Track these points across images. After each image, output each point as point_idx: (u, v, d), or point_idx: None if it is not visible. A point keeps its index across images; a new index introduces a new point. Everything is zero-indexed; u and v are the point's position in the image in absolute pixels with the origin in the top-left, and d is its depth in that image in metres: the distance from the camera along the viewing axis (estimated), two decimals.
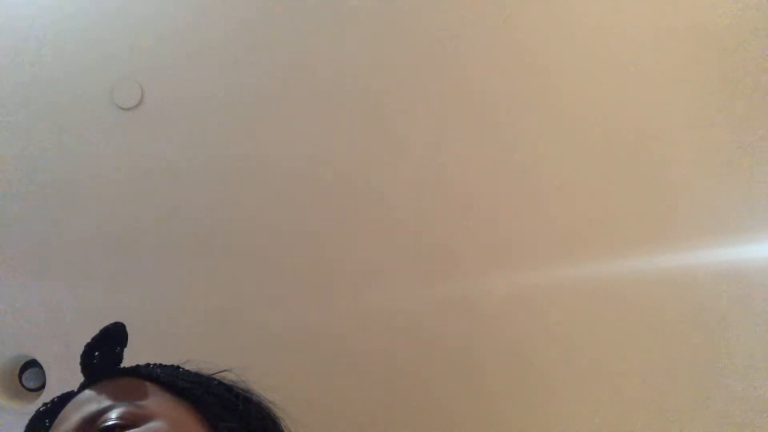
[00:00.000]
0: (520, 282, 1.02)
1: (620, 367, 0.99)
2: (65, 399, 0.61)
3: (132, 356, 0.64)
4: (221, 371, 0.67)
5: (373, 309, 1.03)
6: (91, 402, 0.57)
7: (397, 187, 1.05)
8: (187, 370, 0.65)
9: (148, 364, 0.65)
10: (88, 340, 0.61)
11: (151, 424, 0.53)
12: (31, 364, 1.12)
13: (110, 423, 0.53)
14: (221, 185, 1.07)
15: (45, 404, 0.64)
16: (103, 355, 0.61)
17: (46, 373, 1.09)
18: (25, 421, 0.63)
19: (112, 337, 0.61)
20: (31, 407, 0.87)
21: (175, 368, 0.65)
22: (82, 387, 0.61)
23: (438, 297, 1.03)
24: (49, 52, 1.06)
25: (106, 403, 0.56)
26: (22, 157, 1.07)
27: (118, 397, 0.57)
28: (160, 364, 0.65)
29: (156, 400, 0.57)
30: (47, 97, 1.07)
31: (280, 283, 1.06)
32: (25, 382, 1.12)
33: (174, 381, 0.60)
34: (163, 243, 1.07)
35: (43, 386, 1.11)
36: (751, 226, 0.96)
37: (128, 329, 0.62)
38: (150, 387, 0.59)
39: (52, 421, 0.60)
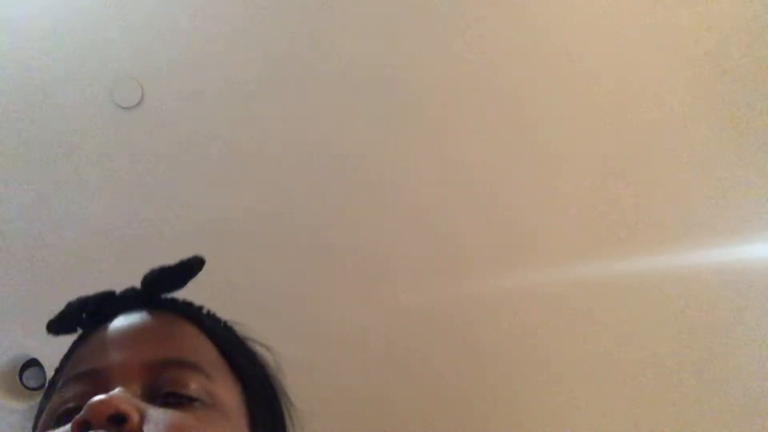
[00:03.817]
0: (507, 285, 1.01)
1: (614, 369, 0.98)
2: (108, 301, 0.52)
3: None
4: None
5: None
6: (153, 337, 0.46)
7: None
8: (237, 336, 0.55)
9: (208, 312, 0.54)
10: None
11: (215, 415, 0.43)
12: (31, 364, 1.12)
13: (185, 392, 0.42)
14: (222, 184, 1.07)
15: (84, 299, 0.53)
16: (171, 280, 0.52)
17: (47, 372, 1.09)
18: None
19: (189, 270, 0.52)
20: (32, 406, 0.87)
21: (228, 329, 0.55)
22: (129, 304, 0.51)
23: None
24: (49, 52, 1.06)
25: (175, 352, 0.45)
26: (21, 156, 1.07)
27: (185, 350, 0.46)
28: (214, 315, 0.55)
29: (221, 375, 0.47)
30: (47, 97, 1.07)
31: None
32: (25, 382, 1.12)
33: (233, 355, 0.51)
34: (164, 242, 1.07)
35: (43, 385, 1.11)
36: (751, 226, 0.96)
37: None
38: (214, 351, 0.49)
39: (90, 323, 0.51)
